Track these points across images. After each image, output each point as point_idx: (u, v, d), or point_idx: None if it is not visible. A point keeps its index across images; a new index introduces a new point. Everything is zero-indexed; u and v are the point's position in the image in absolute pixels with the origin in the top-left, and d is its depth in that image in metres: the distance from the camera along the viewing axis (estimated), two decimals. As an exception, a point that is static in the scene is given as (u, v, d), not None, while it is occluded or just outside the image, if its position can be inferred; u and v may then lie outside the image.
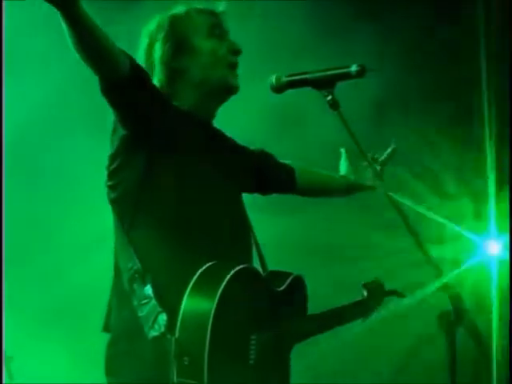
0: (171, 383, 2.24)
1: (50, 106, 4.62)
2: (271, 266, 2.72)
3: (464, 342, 2.18)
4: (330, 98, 2.33)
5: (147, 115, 2.44)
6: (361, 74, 2.34)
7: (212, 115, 2.71)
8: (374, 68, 2.36)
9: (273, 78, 2.44)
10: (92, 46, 2.22)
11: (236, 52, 2.66)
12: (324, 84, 2.34)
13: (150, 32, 2.66)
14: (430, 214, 3.03)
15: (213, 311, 2.25)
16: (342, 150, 3.06)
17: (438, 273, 2.24)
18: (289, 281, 2.65)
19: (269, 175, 2.93)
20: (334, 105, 2.33)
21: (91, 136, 4.30)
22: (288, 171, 2.98)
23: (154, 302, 2.29)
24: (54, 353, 4.44)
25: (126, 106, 2.41)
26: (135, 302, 2.32)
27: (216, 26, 2.67)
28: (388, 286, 3.13)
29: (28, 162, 4.66)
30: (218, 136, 2.75)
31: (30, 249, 4.57)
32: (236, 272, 2.33)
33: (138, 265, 2.36)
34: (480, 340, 2.24)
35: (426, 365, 4.27)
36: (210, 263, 2.33)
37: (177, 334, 2.25)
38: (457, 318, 2.18)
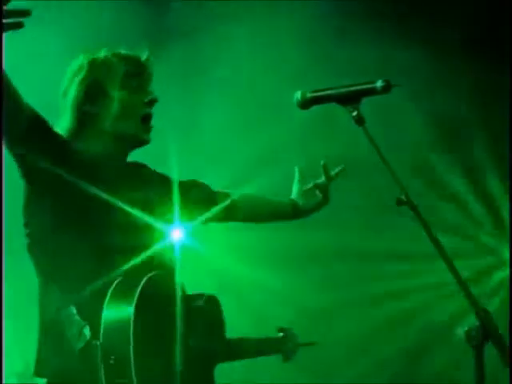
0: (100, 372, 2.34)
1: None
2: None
3: (493, 358, 2.17)
4: (355, 113, 2.33)
5: (44, 166, 2.48)
6: (386, 89, 2.34)
7: (123, 159, 2.73)
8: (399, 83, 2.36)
9: (298, 94, 2.44)
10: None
11: (150, 103, 2.65)
12: (349, 100, 2.35)
13: (71, 72, 2.68)
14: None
15: (133, 310, 2.36)
16: (296, 169, 3.13)
17: (462, 287, 2.22)
18: (204, 299, 2.70)
19: (198, 205, 2.91)
20: (360, 120, 2.32)
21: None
22: (225, 199, 2.98)
23: (77, 318, 2.39)
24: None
25: (23, 158, 2.48)
26: (65, 327, 2.43)
27: (134, 76, 2.66)
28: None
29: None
30: (131, 174, 2.75)
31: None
32: (150, 277, 2.45)
33: (59, 294, 2.47)
34: (507, 354, 2.23)
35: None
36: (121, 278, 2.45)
37: (101, 339, 2.36)
38: (484, 333, 2.17)
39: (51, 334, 2.53)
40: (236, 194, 3.03)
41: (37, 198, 2.55)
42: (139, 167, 2.82)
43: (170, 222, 2.75)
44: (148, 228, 2.65)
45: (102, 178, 2.58)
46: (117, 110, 2.63)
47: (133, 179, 2.71)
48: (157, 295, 2.48)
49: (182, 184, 2.88)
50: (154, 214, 2.70)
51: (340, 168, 3.11)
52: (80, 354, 2.41)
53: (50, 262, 2.55)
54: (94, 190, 2.51)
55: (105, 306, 2.39)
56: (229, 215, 3.02)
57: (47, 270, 2.57)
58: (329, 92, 2.40)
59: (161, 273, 2.53)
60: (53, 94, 2.72)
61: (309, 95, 2.42)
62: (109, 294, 2.41)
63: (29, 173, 2.52)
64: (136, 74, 2.67)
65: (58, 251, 2.53)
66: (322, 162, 3.03)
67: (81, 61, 2.68)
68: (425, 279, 5.02)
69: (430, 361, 5.03)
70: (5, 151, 2.54)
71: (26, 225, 2.60)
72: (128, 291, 2.40)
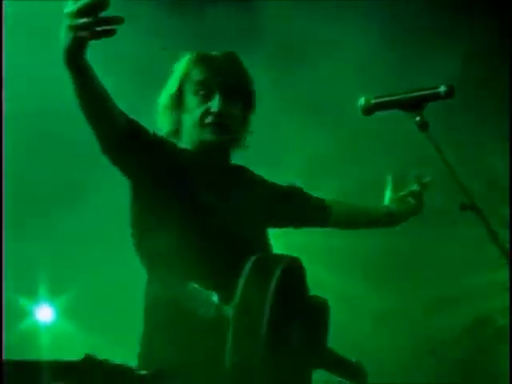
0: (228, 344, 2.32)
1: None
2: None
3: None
4: (418, 119, 2.35)
5: (146, 167, 2.55)
6: (450, 94, 2.35)
7: (222, 159, 2.78)
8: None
9: (362, 100, 2.46)
10: (93, 100, 2.31)
11: (212, 114, 2.66)
12: (412, 105, 2.36)
13: (171, 75, 2.77)
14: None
15: (278, 274, 2.36)
16: (388, 178, 3.12)
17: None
18: (319, 300, 2.70)
19: (295, 209, 2.95)
20: (423, 126, 2.34)
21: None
22: (321, 206, 3.01)
23: (201, 289, 2.41)
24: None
25: (125, 163, 2.53)
26: (184, 304, 2.43)
27: (204, 83, 2.68)
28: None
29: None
30: (233, 174, 2.80)
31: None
32: (290, 259, 2.47)
33: (173, 274, 2.50)
34: None
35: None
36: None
37: (237, 300, 2.34)
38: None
39: (161, 322, 2.56)
40: (330, 199, 3.07)
41: (140, 197, 2.62)
42: (240, 169, 2.87)
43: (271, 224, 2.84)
44: (249, 229, 2.68)
45: (200, 178, 2.65)
46: (189, 117, 2.70)
47: (232, 181, 2.77)
48: (293, 279, 2.50)
49: (282, 188, 2.96)
50: (255, 215, 2.74)
51: (429, 178, 3.10)
52: (208, 323, 2.40)
53: (157, 255, 2.60)
54: (194, 189, 2.60)
55: (244, 274, 2.40)
56: (322, 220, 3.05)
57: (156, 262, 2.61)
58: (392, 98, 2.42)
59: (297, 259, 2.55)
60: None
61: (373, 101, 2.44)
62: (249, 265, 2.41)
63: (132, 176, 2.59)
64: (206, 81, 2.70)
65: (163, 248, 2.58)
66: (414, 172, 3.05)
67: (174, 68, 2.78)
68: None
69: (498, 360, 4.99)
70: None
71: (132, 225, 2.68)
72: (269, 265, 2.42)
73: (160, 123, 2.77)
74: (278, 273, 2.37)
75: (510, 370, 3.38)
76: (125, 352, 2.52)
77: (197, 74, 2.70)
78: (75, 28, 2.08)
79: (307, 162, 4.83)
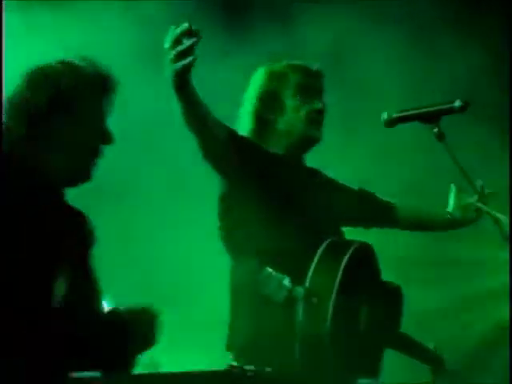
0: (297, 322, 2.56)
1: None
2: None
3: None
4: (436, 130, 2.64)
5: (244, 169, 2.82)
6: (464, 109, 2.64)
7: (299, 161, 3.06)
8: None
9: (385, 114, 2.77)
10: (198, 118, 2.62)
11: (318, 112, 2.96)
12: (430, 118, 2.66)
13: (253, 83, 3.04)
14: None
15: (345, 260, 2.59)
16: (452, 186, 3.29)
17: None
18: (394, 286, 2.91)
19: (368, 211, 3.21)
20: (441, 136, 2.63)
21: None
22: (390, 207, 3.26)
23: (276, 274, 2.64)
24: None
25: (224, 167, 2.81)
26: (260, 288, 2.65)
27: (306, 86, 2.98)
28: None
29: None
30: (312, 175, 3.08)
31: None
32: (359, 246, 2.70)
33: (255, 259, 2.76)
34: None
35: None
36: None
37: (307, 283, 2.59)
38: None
39: (245, 304, 2.81)
40: (397, 202, 3.30)
41: (233, 194, 2.89)
42: (314, 171, 3.13)
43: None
44: (331, 228, 2.93)
45: (283, 177, 2.91)
46: (290, 116, 2.96)
47: (310, 181, 3.04)
48: (363, 263, 2.72)
49: (354, 190, 3.21)
50: (335, 215, 3.01)
51: (494, 192, 3.24)
52: (281, 306, 2.61)
53: (244, 245, 2.87)
54: (285, 189, 2.87)
55: (316, 257, 2.64)
56: (392, 221, 3.28)
57: (241, 250, 2.88)
58: (412, 112, 2.72)
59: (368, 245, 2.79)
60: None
61: (395, 115, 2.75)
62: (321, 249, 2.66)
63: (227, 176, 2.87)
64: (307, 84, 3.00)
65: (250, 239, 2.84)
66: (480, 182, 3.13)
67: (259, 73, 3.04)
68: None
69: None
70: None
71: (221, 218, 2.95)
72: (339, 250, 2.66)
73: (246, 127, 3.00)
74: (347, 257, 2.61)
75: (510, 370, 3.54)
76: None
77: (297, 79, 2.98)
78: (176, 58, 2.37)
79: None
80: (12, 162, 2.18)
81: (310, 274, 2.60)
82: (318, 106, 2.97)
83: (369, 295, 2.73)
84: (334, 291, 2.55)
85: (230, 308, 2.91)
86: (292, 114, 2.96)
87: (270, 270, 2.67)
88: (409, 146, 4.62)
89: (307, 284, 2.59)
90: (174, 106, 2.56)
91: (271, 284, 2.64)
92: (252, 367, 2.44)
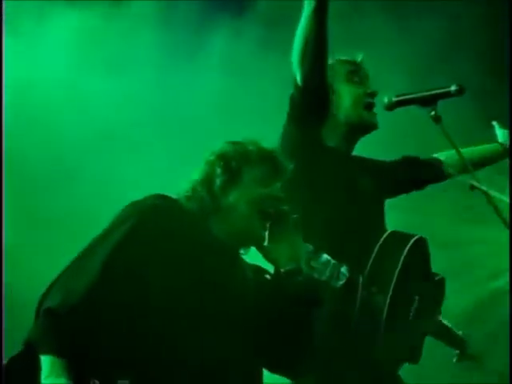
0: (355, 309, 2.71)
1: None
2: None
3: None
4: (433, 113, 2.78)
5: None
6: (460, 92, 2.78)
7: (351, 149, 3.22)
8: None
9: (385, 98, 2.91)
10: (323, 43, 2.81)
11: (372, 95, 3.13)
12: (428, 102, 2.79)
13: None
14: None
15: (403, 257, 2.76)
16: (494, 123, 3.50)
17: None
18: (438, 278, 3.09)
19: (417, 173, 3.38)
20: (437, 119, 2.77)
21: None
22: (435, 163, 3.40)
23: (333, 261, 2.79)
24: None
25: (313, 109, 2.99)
26: (316, 274, 2.80)
27: (353, 73, 3.16)
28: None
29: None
30: (360, 161, 3.24)
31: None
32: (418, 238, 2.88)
33: (310, 247, 2.88)
34: None
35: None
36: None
37: (368, 268, 2.74)
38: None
39: None
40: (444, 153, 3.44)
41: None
42: (361, 159, 3.28)
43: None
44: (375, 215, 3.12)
45: (336, 166, 3.07)
46: (346, 102, 3.12)
47: (360, 168, 3.19)
48: (419, 256, 2.90)
49: (395, 161, 3.39)
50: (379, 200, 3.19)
51: None
52: (339, 292, 2.76)
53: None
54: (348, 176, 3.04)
55: (376, 248, 2.80)
56: (440, 175, 3.42)
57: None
58: (411, 96, 2.86)
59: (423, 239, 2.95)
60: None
61: (394, 99, 2.89)
62: (381, 241, 2.83)
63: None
64: (355, 71, 3.19)
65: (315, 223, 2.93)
66: None
67: None
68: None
69: None
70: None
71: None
72: (399, 241, 2.82)
73: None
74: (407, 249, 2.77)
75: (510, 369, 3.68)
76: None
77: (345, 67, 3.17)
78: None
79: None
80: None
81: (369, 262, 2.75)
82: (371, 90, 3.15)
83: (421, 286, 2.90)
84: (393, 282, 2.70)
85: None
86: (347, 99, 3.12)
87: (327, 256, 2.80)
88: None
89: (367, 272, 2.73)
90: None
91: (328, 270, 2.77)
92: None
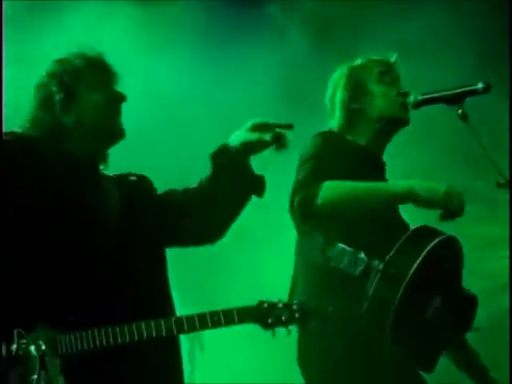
0: (369, 294, 2.69)
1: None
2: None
3: None
4: (460, 111, 2.78)
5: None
6: (487, 90, 2.78)
7: (382, 150, 3.21)
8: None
9: (411, 96, 2.92)
10: None
11: (404, 95, 3.08)
12: (454, 100, 2.80)
13: (334, 81, 3.20)
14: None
15: (425, 251, 2.70)
16: None
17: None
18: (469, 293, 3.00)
19: None
20: (464, 117, 2.78)
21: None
22: None
23: (349, 249, 2.80)
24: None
25: None
26: (333, 263, 2.82)
27: (386, 73, 3.15)
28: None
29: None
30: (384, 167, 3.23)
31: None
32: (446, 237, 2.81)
33: (321, 239, 2.90)
34: None
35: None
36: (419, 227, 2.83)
37: (390, 255, 2.71)
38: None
39: (315, 276, 2.95)
40: None
41: None
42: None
43: None
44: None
45: (364, 167, 3.05)
46: (379, 101, 3.11)
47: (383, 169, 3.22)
48: (445, 256, 2.82)
49: None
50: None
51: None
52: (357, 278, 2.75)
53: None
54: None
55: (402, 238, 2.76)
56: None
57: (314, 226, 2.96)
58: (437, 94, 2.86)
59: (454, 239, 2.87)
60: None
61: (420, 97, 2.90)
62: (408, 232, 2.79)
63: None
64: (387, 72, 3.17)
65: None
66: None
67: (340, 70, 3.21)
68: None
69: None
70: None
71: None
72: (426, 236, 2.77)
73: (338, 121, 3.15)
74: (431, 245, 2.71)
75: (510, 369, 3.65)
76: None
77: (379, 67, 3.16)
78: None
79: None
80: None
81: (393, 250, 2.71)
82: (403, 90, 3.11)
83: (444, 291, 2.83)
84: (412, 270, 2.65)
85: (296, 279, 3.06)
86: (381, 99, 3.11)
87: (341, 245, 2.80)
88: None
89: (388, 258, 2.70)
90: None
91: (345, 258, 2.77)
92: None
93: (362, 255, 2.75)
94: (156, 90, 5.62)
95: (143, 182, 2.82)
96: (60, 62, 2.71)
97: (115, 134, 2.69)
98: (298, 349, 3.01)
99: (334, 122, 3.15)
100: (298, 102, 5.30)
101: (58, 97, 2.61)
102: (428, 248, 2.70)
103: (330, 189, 2.78)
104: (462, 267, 2.91)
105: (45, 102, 2.63)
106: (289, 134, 2.68)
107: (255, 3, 5.75)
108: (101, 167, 2.73)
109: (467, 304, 2.96)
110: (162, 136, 5.60)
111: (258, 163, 2.76)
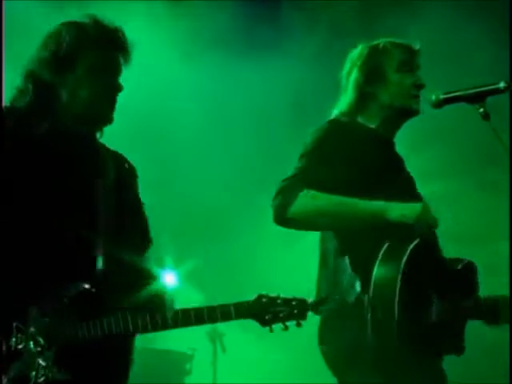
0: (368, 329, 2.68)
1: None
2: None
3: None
4: (482, 110, 2.77)
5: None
6: (508, 88, 2.76)
7: (393, 135, 3.22)
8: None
9: (432, 96, 2.90)
10: None
11: (419, 86, 3.11)
12: (476, 99, 2.79)
13: (353, 58, 3.20)
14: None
15: (401, 269, 2.70)
16: None
17: None
18: (463, 263, 3.04)
19: None
20: (486, 116, 2.76)
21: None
22: None
23: (349, 271, 2.80)
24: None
25: None
26: (339, 274, 2.85)
27: (407, 62, 3.15)
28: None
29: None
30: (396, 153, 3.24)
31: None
32: (417, 243, 2.79)
33: (337, 244, 2.93)
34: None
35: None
36: (392, 240, 2.81)
37: (370, 293, 2.70)
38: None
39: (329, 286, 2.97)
40: None
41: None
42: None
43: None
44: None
45: (375, 149, 3.06)
46: (392, 90, 3.12)
47: (398, 156, 3.21)
48: (423, 259, 2.82)
49: None
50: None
51: None
52: (351, 308, 2.78)
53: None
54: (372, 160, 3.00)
55: (376, 264, 2.74)
56: None
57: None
58: (459, 93, 2.85)
59: (427, 239, 2.88)
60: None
61: (442, 96, 2.88)
62: (380, 254, 2.77)
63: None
64: (408, 60, 3.17)
65: None
66: None
67: (361, 49, 3.21)
68: None
69: None
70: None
71: None
72: (397, 253, 2.75)
73: (348, 99, 3.16)
74: (404, 260, 2.70)
75: (510, 369, 3.62)
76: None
77: (399, 54, 3.15)
78: None
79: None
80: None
81: (372, 281, 2.71)
82: (421, 81, 3.13)
83: (437, 284, 2.85)
84: (396, 304, 2.65)
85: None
86: (395, 88, 3.12)
87: (347, 260, 2.81)
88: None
89: (371, 293, 2.69)
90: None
91: (346, 277, 2.80)
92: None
93: (357, 284, 2.74)
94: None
95: (133, 173, 2.81)
96: (70, 24, 2.63)
97: (104, 120, 2.67)
98: (318, 333, 3.01)
99: (345, 100, 3.17)
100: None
101: (49, 68, 2.55)
102: (400, 271, 2.70)
103: (305, 198, 2.79)
104: (436, 252, 2.94)
105: (34, 72, 2.57)
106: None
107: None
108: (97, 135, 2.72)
109: (466, 273, 3.01)
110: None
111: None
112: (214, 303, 2.45)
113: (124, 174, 2.73)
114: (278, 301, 2.45)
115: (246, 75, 5.67)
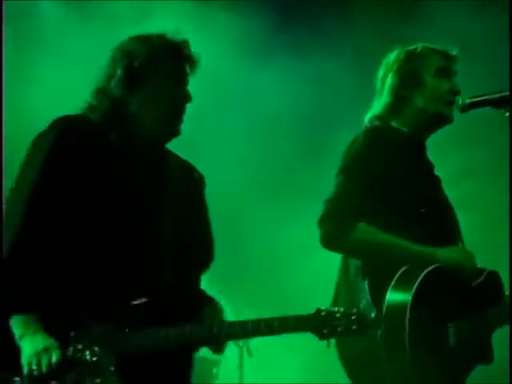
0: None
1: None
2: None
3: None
4: (507, 114, 2.77)
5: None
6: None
7: (425, 138, 3.23)
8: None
9: (459, 100, 2.93)
10: None
11: (455, 93, 3.10)
12: (502, 103, 2.79)
13: (388, 63, 3.22)
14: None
15: (409, 304, 2.73)
16: None
17: None
18: (484, 275, 3.04)
19: None
20: (512, 119, 2.77)
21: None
22: None
23: (368, 298, 2.81)
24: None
25: None
26: (356, 294, 2.88)
27: (444, 68, 3.16)
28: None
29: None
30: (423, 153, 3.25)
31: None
32: (428, 271, 2.82)
33: (360, 263, 2.96)
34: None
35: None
36: (408, 266, 2.84)
37: (384, 316, 2.73)
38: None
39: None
40: None
41: None
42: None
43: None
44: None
45: (408, 153, 3.11)
46: (428, 95, 3.15)
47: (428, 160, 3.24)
48: (437, 284, 2.84)
49: None
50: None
51: None
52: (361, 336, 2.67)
53: None
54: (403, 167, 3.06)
55: (389, 289, 2.78)
56: None
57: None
58: (485, 97, 2.85)
59: (441, 267, 2.89)
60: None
61: (468, 101, 2.90)
62: (394, 280, 2.81)
63: None
64: (445, 66, 3.19)
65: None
66: None
67: (397, 53, 3.23)
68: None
69: None
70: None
71: None
72: (410, 279, 2.78)
73: (383, 101, 3.19)
74: (414, 287, 2.74)
75: (510, 369, 3.61)
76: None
77: (437, 60, 3.18)
78: None
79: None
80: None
81: (384, 305, 2.75)
82: (457, 87, 3.14)
83: (453, 307, 2.87)
84: (407, 329, 2.70)
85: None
86: (431, 93, 3.14)
87: (366, 285, 2.83)
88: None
89: (384, 316, 2.73)
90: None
91: (364, 300, 2.82)
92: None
93: (373, 314, 2.64)
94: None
95: (201, 183, 2.80)
96: (138, 40, 2.65)
97: (174, 135, 2.68)
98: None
99: (380, 104, 3.19)
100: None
101: (120, 82, 2.57)
102: (412, 296, 2.74)
103: (361, 235, 2.89)
104: (452, 276, 2.92)
105: (106, 86, 2.60)
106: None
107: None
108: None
109: (489, 283, 3.02)
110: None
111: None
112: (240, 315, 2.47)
113: (193, 184, 2.75)
114: (337, 314, 2.42)
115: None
